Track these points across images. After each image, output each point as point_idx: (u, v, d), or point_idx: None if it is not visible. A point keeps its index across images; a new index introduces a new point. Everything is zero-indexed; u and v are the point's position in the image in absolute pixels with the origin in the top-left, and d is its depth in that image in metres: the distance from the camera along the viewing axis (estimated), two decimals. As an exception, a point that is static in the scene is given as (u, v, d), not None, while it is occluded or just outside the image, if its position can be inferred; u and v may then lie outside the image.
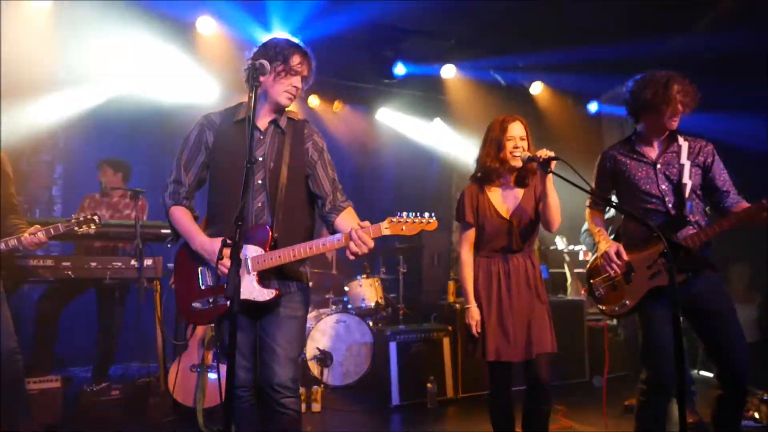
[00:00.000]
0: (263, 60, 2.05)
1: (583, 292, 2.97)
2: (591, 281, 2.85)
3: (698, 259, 2.46)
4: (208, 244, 2.14)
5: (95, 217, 3.18)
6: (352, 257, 2.09)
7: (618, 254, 2.54)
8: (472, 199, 2.77)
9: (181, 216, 2.25)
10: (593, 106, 6.90)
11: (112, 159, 4.73)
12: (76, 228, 3.13)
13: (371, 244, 2.06)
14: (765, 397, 3.60)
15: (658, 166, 2.59)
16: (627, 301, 2.62)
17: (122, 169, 4.74)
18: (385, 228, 2.08)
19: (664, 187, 2.56)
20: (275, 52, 2.20)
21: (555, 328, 2.70)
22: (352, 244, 2.05)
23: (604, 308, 2.78)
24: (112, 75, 5.44)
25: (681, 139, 2.60)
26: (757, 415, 3.58)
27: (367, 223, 2.09)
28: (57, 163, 5.75)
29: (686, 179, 2.53)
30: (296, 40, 2.29)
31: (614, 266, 2.56)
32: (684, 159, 2.56)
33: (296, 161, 2.26)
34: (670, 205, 2.54)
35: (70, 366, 5.21)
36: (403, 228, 2.09)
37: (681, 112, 2.51)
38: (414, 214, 2.11)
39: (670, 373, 2.47)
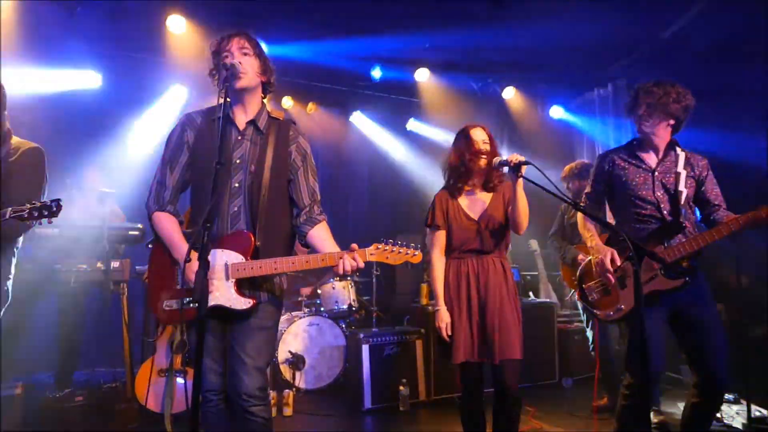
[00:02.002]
0: (231, 60, 2.09)
1: (576, 295, 2.94)
2: (583, 286, 2.80)
3: (685, 268, 2.49)
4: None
5: (52, 204, 2.37)
6: (338, 275, 2.10)
7: (612, 261, 2.53)
8: (442, 203, 2.84)
9: (165, 223, 2.20)
10: (558, 112, 7.01)
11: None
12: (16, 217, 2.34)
13: (363, 266, 2.08)
14: (728, 397, 3.70)
15: (656, 173, 2.63)
16: (622, 306, 2.60)
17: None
18: (371, 254, 2.09)
19: (659, 194, 2.60)
20: (220, 49, 2.20)
21: (526, 329, 2.71)
22: (342, 270, 2.05)
23: (598, 313, 2.72)
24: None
25: (679, 149, 2.66)
26: (718, 415, 3.68)
27: (355, 246, 2.09)
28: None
29: (682, 187, 2.58)
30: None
31: (608, 276, 2.54)
32: (680, 168, 2.61)
33: (279, 164, 2.23)
34: (665, 212, 2.58)
35: (33, 372, 5.04)
36: (388, 257, 2.11)
37: (642, 116, 2.61)
38: (400, 243, 2.12)
39: (655, 379, 2.53)
